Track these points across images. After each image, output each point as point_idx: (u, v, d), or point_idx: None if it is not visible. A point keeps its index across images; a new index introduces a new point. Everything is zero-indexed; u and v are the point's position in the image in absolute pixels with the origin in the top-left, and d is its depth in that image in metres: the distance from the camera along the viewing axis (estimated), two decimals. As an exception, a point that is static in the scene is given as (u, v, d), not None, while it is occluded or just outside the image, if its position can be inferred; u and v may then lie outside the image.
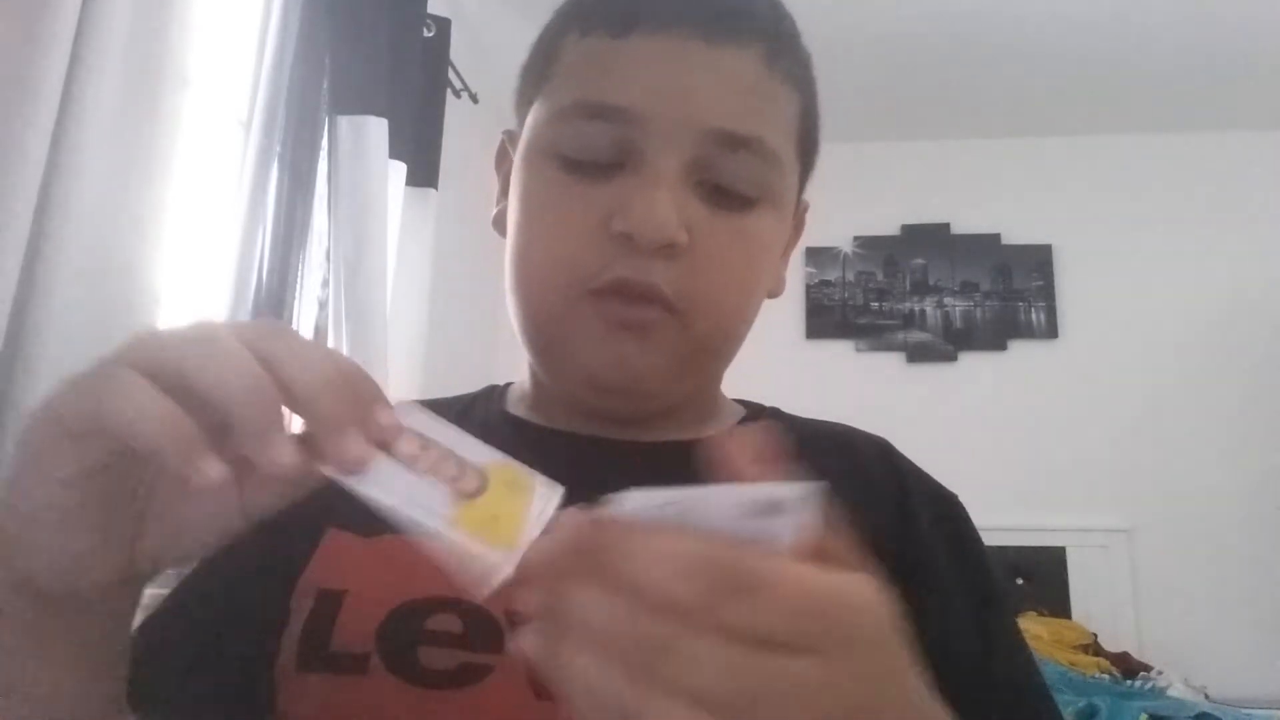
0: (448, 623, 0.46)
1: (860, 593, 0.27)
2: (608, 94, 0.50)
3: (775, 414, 0.63)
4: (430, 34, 1.95)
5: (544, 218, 0.52)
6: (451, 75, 2.10)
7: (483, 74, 2.26)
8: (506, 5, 2.31)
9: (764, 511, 0.26)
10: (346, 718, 0.45)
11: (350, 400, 0.33)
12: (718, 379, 0.61)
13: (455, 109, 2.11)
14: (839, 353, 3.06)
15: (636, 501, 0.27)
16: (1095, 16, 2.43)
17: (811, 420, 0.62)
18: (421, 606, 0.47)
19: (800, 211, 0.61)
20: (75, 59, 1.00)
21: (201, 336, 0.32)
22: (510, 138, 0.60)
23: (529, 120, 0.55)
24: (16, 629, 0.35)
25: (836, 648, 0.26)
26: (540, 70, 0.56)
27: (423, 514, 0.32)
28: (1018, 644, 0.54)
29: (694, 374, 0.54)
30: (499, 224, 0.59)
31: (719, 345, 0.55)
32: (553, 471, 0.55)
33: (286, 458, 0.32)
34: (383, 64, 1.67)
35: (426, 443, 0.35)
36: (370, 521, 0.46)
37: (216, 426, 0.31)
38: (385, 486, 0.33)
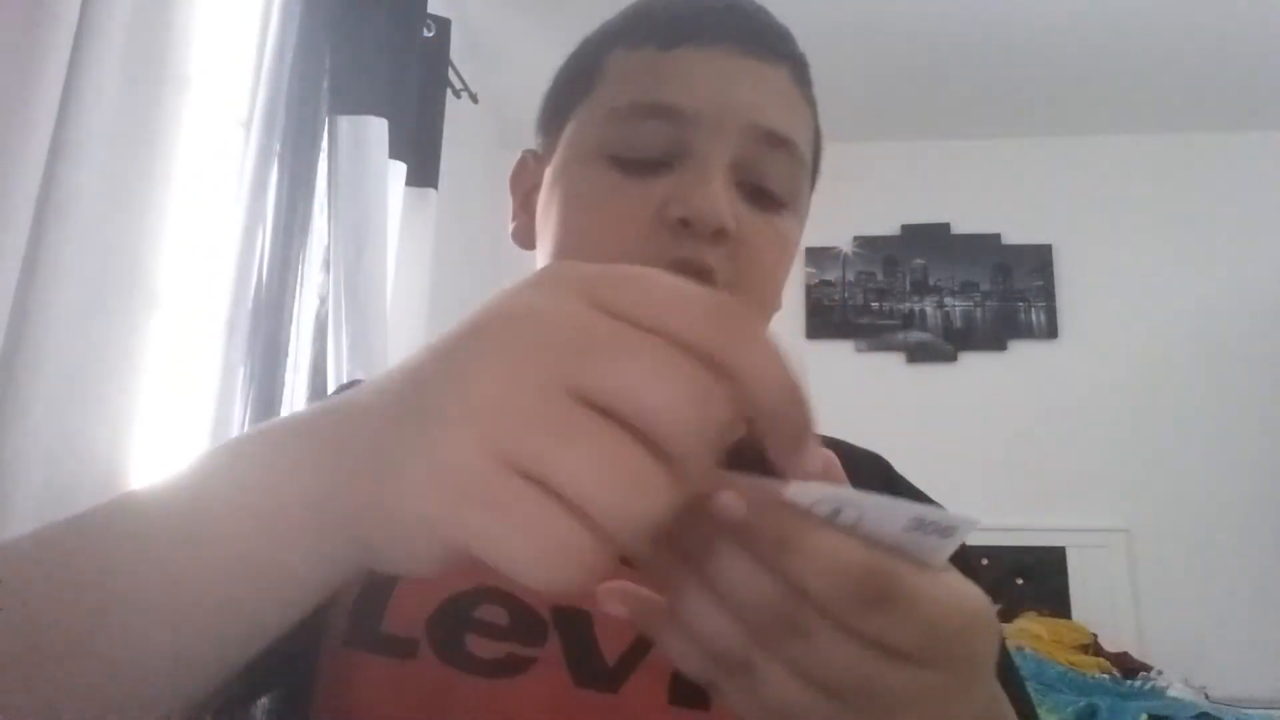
0: (495, 614, 0.49)
1: (987, 613, 0.29)
2: (661, 95, 0.53)
3: None
4: (430, 34, 1.95)
5: (596, 213, 0.54)
6: (451, 75, 2.10)
7: (483, 74, 2.26)
8: (506, 5, 2.31)
9: (930, 530, 0.27)
10: (395, 696, 0.47)
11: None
12: None
13: (455, 109, 2.11)
14: (839, 353, 3.06)
15: (816, 494, 0.27)
16: (1096, 16, 2.43)
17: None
18: (470, 597, 0.49)
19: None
20: (75, 59, 1.00)
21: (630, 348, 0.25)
22: (534, 156, 0.62)
23: (571, 129, 0.58)
24: (306, 572, 0.30)
25: (961, 664, 0.28)
26: (581, 85, 0.59)
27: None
28: (1010, 660, 0.56)
29: None
30: (520, 238, 0.61)
31: None
32: None
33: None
34: (383, 64, 1.67)
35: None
36: None
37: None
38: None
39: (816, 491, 0.27)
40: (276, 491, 0.29)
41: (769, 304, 0.56)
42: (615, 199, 0.53)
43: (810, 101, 0.59)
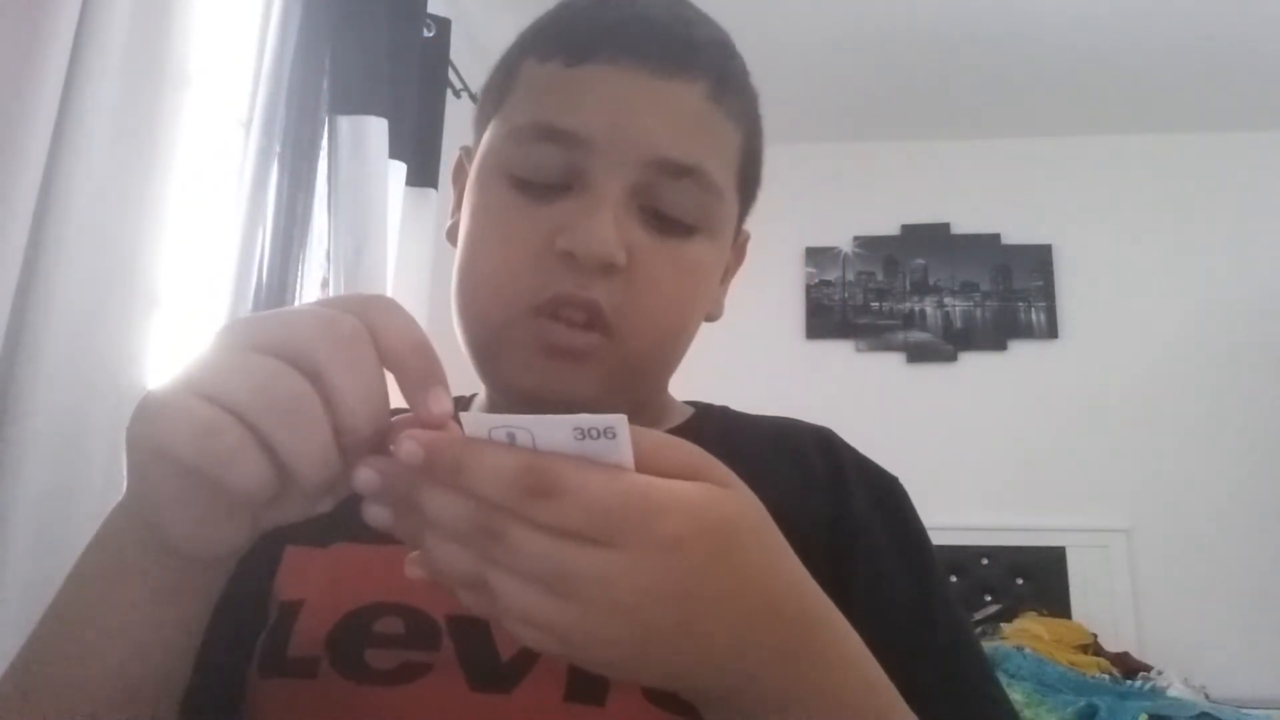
0: (392, 625, 0.49)
1: (670, 498, 0.32)
2: (558, 117, 0.52)
3: (724, 413, 0.65)
4: (430, 34, 1.95)
5: (491, 235, 0.55)
6: (451, 75, 2.10)
7: (483, 74, 2.26)
8: (506, 5, 2.30)
9: (596, 435, 0.31)
10: (299, 716, 0.48)
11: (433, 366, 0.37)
12: (661, 389, 0.63)
13: (455, 109, 2.11)
14: (839, 353, 3.06)
15: (489, 424, 0.32)
16: (1095, 16, 2.43)
17: (756, 416, 0.64)
18: (369, 611, 0.50)
19: (741, 240, 0.64)
20: (75, 59, 1.00)
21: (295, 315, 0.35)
22: (467, 153, 0.62)
23: (485, 138, 0.58)
24: (147, 584, 0.40)
25: (637, 543, 0.31)
26: (499, 91, 0.58)
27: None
28: (957, 617, 0.55)
29: (628, 393, 0.56)
30: (452, 237, 0.61)
31: (652, 366, 0.57)
32: None
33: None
34: (383, 64, 1.67)
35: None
36: (322, 532, 0.52)
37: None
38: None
39: (490, 422, 0.32)
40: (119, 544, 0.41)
41: (671, 332, 0.55)
42: (509, 223, 0.53)
43: (736, 114, 0.57)
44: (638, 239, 0.52)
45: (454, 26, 2.05)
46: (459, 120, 2.11)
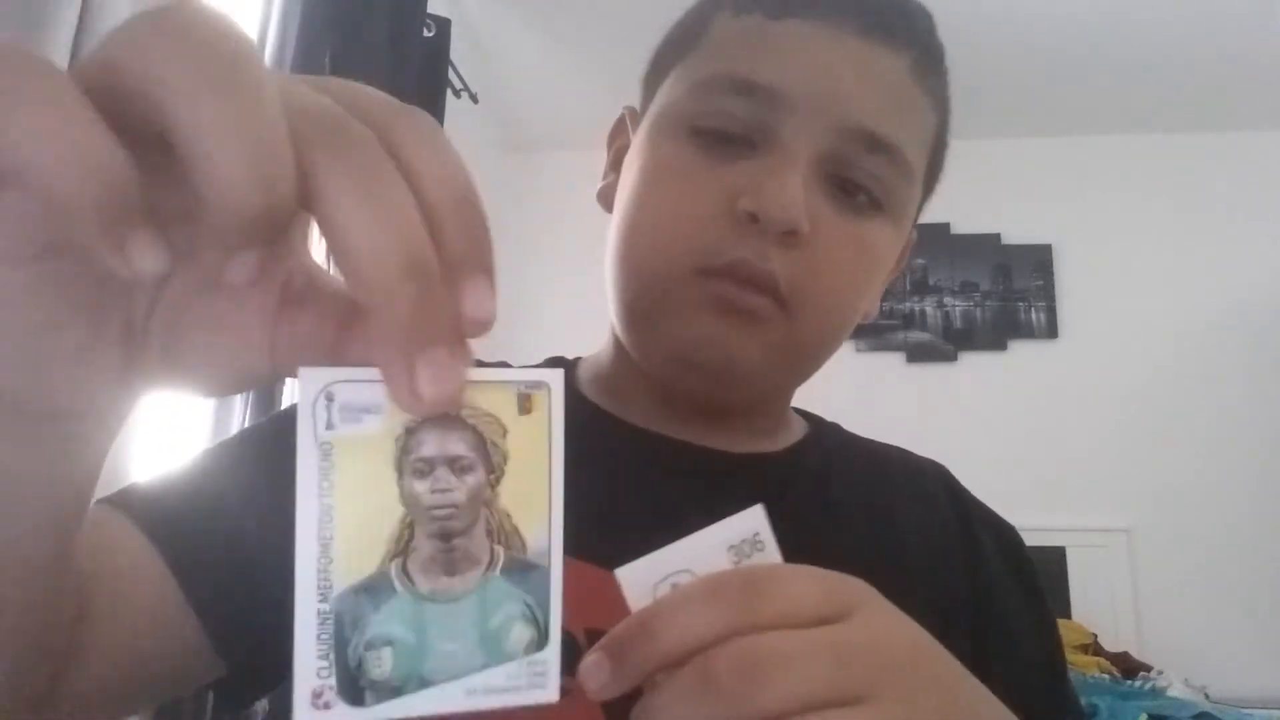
0: None
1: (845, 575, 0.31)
2: (755, 70, 0.49)
3: (836, 430, 0.62)
4: (430, 34, 1.95)
5: (667, 188, 0.51)
6: (451, 75, 2.10)
7: (483, 74, 2.26)
8: (506, 5, 2.31)
9: (749, 551, 0.30)
10: None
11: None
12: (797, 386, 0.60)
13: (455, 109, 2.11)
14: (839, 352, 3.02)
15: (639, 577, 0.29)
16: (1095, 17, 2.43)
17: (869, 441, 0.62)
18: None
19: (907, 243, 0.59)
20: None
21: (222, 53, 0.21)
22: (631, 114, 0.59)
23: (664, 89, 0.54)
24: None
25: (864, 606, 0.29)
26: (684, 44, 0.54)
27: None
28: (1070, 680, 0.55)
29: (785, 372, 0.54)
30: (604, 198, 0.58)
31: (817, 348, 0.54)
32: (637, 478, 0.54)
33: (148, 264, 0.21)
34: (383, 64, 1.67)
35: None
36: None
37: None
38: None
39: (640, 576, 0.29)
40: None
41: (842, 316, 0.52)
42: (688, 179, 0.50)
43: (935, 96, 0.53)
44: (822, 210, 0.48)
45: (454, 26, 2.05)
46: (459, 120, 2.11)
